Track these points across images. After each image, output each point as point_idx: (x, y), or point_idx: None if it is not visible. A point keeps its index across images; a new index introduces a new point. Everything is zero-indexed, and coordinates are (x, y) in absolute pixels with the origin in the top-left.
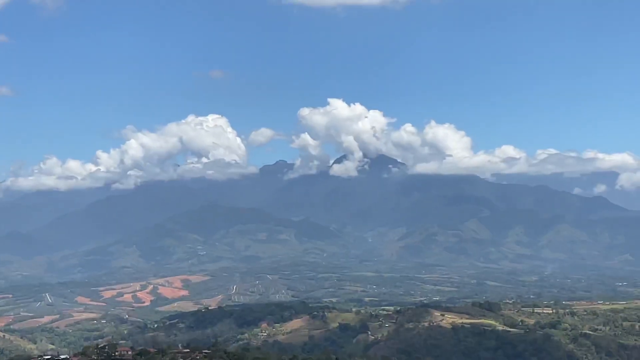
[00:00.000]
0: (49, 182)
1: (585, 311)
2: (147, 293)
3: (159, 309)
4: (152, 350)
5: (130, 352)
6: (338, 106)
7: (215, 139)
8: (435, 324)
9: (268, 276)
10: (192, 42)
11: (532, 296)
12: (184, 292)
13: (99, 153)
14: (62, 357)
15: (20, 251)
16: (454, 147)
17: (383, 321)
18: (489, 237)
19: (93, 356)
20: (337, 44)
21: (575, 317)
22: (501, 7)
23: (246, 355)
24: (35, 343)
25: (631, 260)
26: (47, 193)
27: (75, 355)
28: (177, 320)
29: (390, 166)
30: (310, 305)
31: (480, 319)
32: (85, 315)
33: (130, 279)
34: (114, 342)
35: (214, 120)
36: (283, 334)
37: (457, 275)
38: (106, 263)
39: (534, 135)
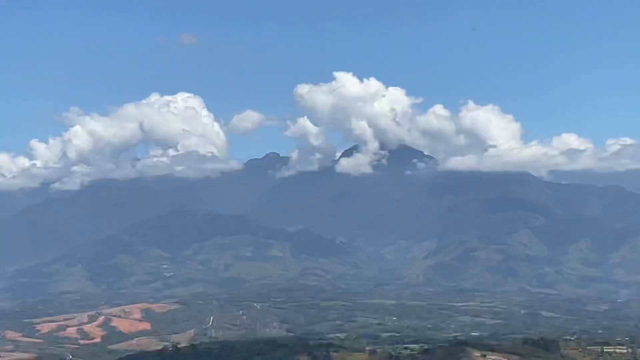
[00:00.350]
0: None
1: None
2: (97, 326)
3: (113, 346)
4: None
5: None
6: (347, 82)
7: (186, 125)
8: None
9: (255, 304)
10: None
11: (600, 331)
12: (145, 325)
13: (34, 143)
14: None
15: None
16: (499, 136)
17: None
18: (545, 253)
19: None
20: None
21: None
22: None
23: None
24: None
25: None
26: None
27: None
28: None
29: (415, 160)
30: (310, 342)
31: None
32: (16, 356)
33: (75, 308)
34: None
35: (184, 100)
36: None
37: (503, 304)
38: (43, 287)
39: (603, 121)
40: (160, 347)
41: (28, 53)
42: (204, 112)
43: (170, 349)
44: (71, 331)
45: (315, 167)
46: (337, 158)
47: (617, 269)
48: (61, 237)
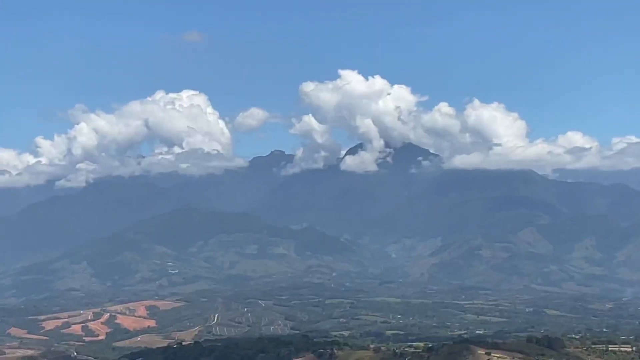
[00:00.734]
0: None
1: None
2: (102, 323)
3: (117, 344)
4: None
5: None
6: (352, 80)
7: (191, 123)
8: None
9: (260, 302)
10: None
11: (605, 329)
12: (150, 323)
13: (39, 140)
14: None
15: None
16: (504, 134)
17: None
18: (550, 251)
19: None
20: None
21: None
22: None
23: None
24: None
25: None
26: None
27: None
28: (141, 359)
29: (420, 158)
30: (314, 340)
31: (537, 358)
32: (20, 353)
33: (80, 305)
34: None
35: (189, 97)
36: None
37: (507, 302)
38: (48, 284)
39: (608, 119)
40: (164, 344)
41: (34, 51)
42: (209, 109)
43: (174, 346)
44: (76, 328)
45: (320, 165)
46: (342, 156)
47: (622, 268)
48: (66, 234)
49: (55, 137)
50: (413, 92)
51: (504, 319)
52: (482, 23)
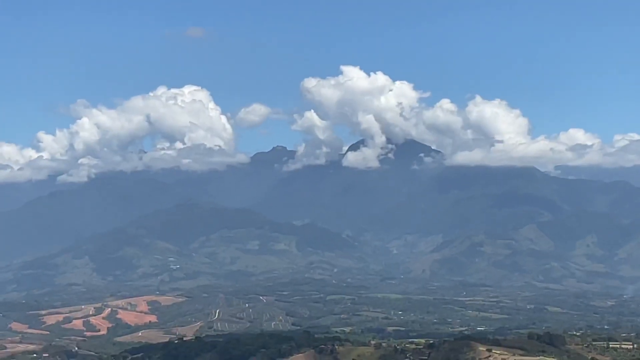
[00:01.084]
0: None
1: None
2: (103, 318)
3: (119, 339)
4: None
5: None
6: (354, 76)
7: (193, 118)
8: None
9: (261, 298)
10: None
11: (606, 326)
12: (151, 318)
13: (41, 135)
14: None
15: None
16: (506, 131)
17: (411, 357)
18: (551, 248)
19: None
20: None
21: None
22: None
23: None
24: None
25: None
26: None
27: None
28: (142, 354)
29: (422, 155)
30: (315, 336)
31: (538, 355)
32: (22, 347)
33: (81, 300)
34: None
35: (191, 93)
36: None
37: (509, 299)
38: (50, 279)
39: (610, 117)
40: (165, 340)
41: (36, 46)
42: (211, 105)
43: (176, 341)
44: (77, 323)
45: (322, 161)
46: (343, 152)
47: (624, 265)
48: (68, 229)
49: (57, 132)
50: (415, 88)
51: (505, 316)
52: (485, 20)
